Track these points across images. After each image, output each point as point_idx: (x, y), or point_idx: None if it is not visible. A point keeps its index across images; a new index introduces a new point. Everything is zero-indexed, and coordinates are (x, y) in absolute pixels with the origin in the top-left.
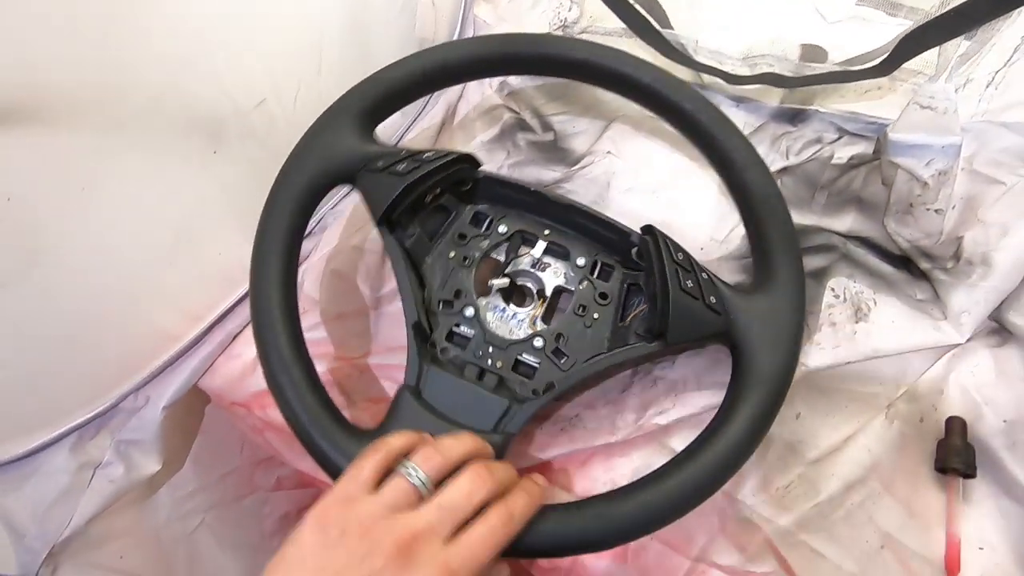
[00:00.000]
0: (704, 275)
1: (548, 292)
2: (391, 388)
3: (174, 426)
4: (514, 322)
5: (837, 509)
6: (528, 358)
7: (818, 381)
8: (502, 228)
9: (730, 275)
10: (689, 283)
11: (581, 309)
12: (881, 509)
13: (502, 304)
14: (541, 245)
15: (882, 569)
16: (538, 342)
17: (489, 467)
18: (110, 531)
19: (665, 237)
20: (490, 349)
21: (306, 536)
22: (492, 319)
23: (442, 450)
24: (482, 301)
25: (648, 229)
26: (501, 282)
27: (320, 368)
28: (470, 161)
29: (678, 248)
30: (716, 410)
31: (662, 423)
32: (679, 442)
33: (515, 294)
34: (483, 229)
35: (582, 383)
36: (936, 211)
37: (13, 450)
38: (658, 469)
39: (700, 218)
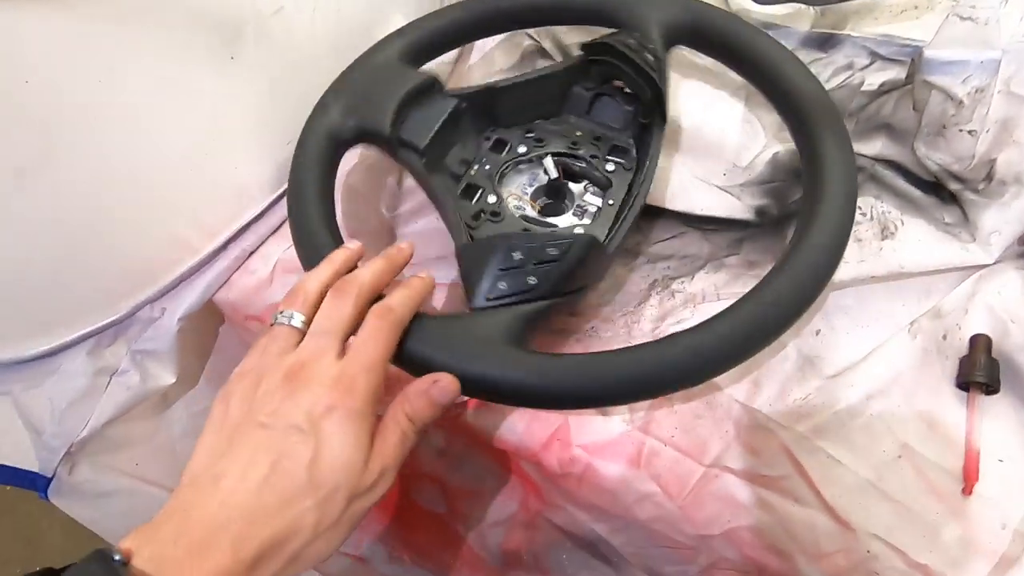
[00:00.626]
0: (540, 305)
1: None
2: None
3: (188, 340)
4: (516, 192)
5: (856, 418)
6: (477, 206)
7: (839, 300)
8: (610, 167)
9: (752, 199)
10: (516, 255)
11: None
12: (900, 421)
13: (533, 183)
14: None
15: (898, 477)
16: (494, 211)
17: (347, 280)
18: (127, 438)
19: (588, 244)
20: (485, 169)
21: (214, 414)
22: (517, 172)
23: (300, 288)
24: (532, 168)
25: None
26: (551, 170)
27: None
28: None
29: (561, 248)
30: None
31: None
32: None
33: (555, 195)
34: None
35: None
36: (969, 132)
37: (32, 347)
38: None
39: (723, 145)
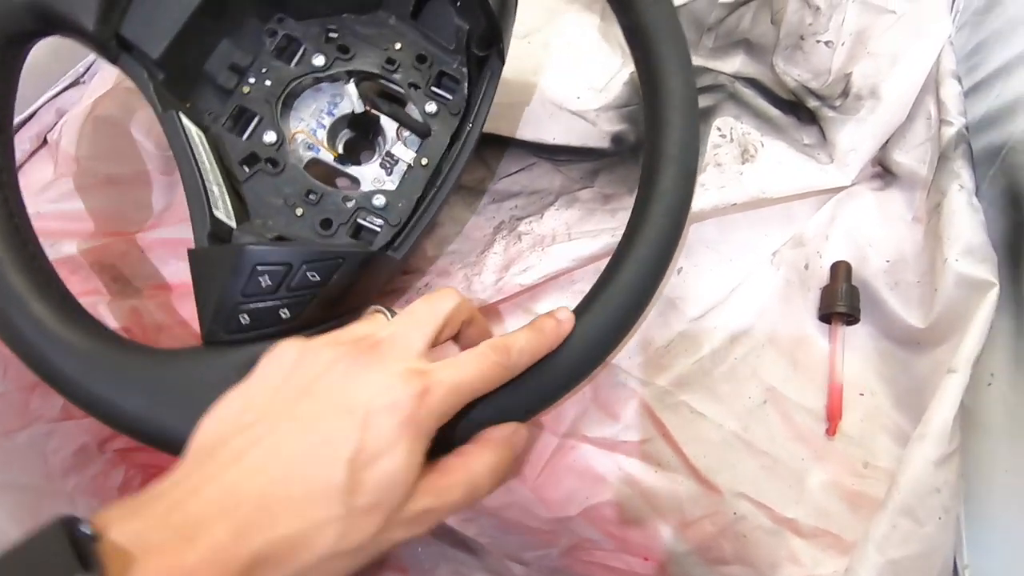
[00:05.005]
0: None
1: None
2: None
3: None
4: (309, 122)
5: (720, 364)
6: (250, 144)
7: (702, 233)
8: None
9: (609, 125)
10: (265, 281)
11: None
12: (765, 362)
13: (333, 110)
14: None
15: (764, 424)
16: (271, 158)
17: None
18: None
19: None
20: (266, 85)
21: (255, 371)
22: (314, 92)
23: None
24: (334, 89)
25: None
26: (355, 102)
27: (72, 249)
28: None
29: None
30: (587, 262)
31: (526, 282)
32: (545, 306)
33: (360, 130)
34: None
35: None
36: (826, 43)
37: None
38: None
39: (577, 64)
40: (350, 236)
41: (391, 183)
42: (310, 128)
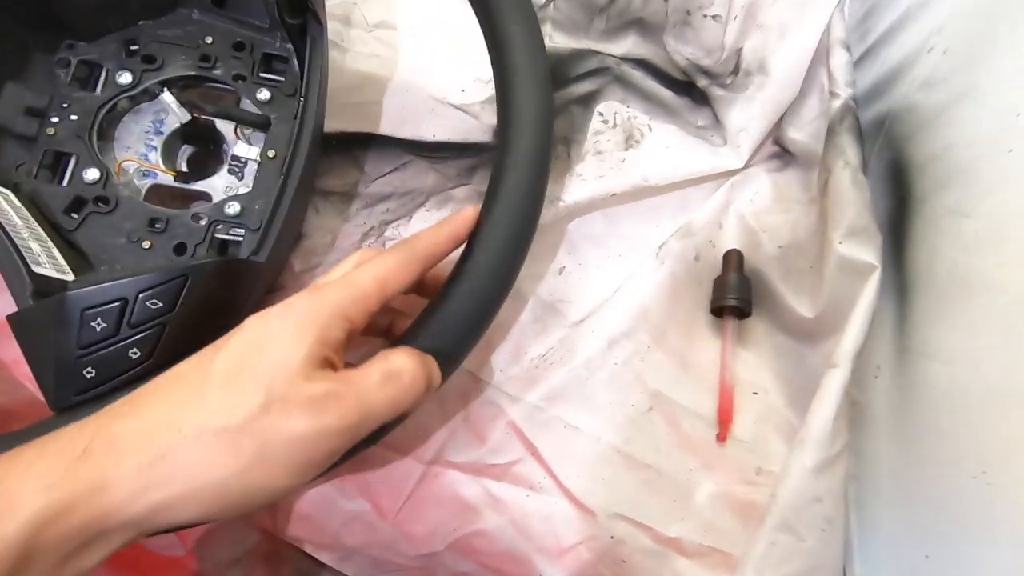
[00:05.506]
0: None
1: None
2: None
3: None
4: (137, 149)
5: (597, 371)
6: (72, 188)
7: (586, 227)
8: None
9: (491, 118)
10: (98, 324)
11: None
12: (650, 366)
13: (161, 130)
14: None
15: (648, 434)
16: (100, 197)
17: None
18: None
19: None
20: (72, 120)
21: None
22: (134, 115)
23: None
24: (155, 107)
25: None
26: (176, 110)
27: None
28: None
29: None
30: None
31: None
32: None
33: (199, 143)
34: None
35: None
36: (714, 18)
37: None
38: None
39: (462, 54)
40: (216, 254)
41: (245, 187)
42: (140, 154)
